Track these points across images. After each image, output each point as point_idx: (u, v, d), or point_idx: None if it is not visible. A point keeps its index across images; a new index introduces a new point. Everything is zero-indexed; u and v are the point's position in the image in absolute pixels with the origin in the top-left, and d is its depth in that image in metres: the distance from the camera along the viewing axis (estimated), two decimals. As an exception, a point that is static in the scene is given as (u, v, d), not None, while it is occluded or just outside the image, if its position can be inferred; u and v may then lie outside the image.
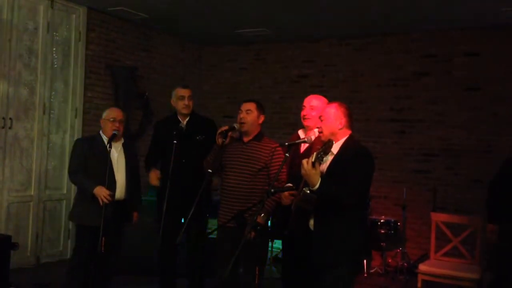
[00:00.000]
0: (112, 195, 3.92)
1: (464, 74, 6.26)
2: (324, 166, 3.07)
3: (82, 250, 4.03)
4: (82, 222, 4.07)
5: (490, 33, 6.12)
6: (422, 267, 4.76)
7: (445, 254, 4.97)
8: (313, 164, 2.87)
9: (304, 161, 2.89)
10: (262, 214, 3.52)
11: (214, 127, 4.37)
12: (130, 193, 4.16)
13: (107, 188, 3.88)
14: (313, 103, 3.74)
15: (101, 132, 4.17)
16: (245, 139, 3.84)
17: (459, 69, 6.30)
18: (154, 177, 4.27)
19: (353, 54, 6.93)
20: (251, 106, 3.83)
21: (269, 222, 3.97)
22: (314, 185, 2.87)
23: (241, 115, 3.81)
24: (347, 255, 3.01)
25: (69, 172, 4.16)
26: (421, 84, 6.49)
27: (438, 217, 5.07)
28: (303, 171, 2.89)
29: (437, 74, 6.41)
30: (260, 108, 3.86)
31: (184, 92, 4.32)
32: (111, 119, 4.09)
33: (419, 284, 4.73)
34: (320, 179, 2.86)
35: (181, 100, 4.31)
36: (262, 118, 3.86)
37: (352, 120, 3.19)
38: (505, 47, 6.06)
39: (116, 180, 4.05)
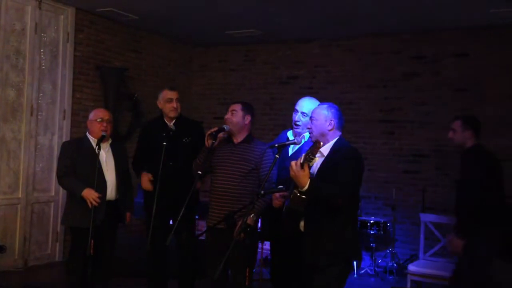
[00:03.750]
0: (102, 197, 3.89)
1: (453, 75, 6.29)
2: (315, 168, 3.07)
3: (79, 252, 3.97)
4: (76, 224, 4.00)
5: (478, 34, 6.15)
6: (412, 267, 4.79)
7: (434, 254, 5.01)
8: (302, 165, 2.87)
9: (293, 163, 2.90)
10: (252, 215, 3.52)
11: (201, 129, 4.35)
12: (122, 193, 4.13)
13: (96, 190, 3.84)
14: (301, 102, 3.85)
15: (87, 133, 4.13)
16: (235, 141, 3.83)
17: (448, 70, 6.33)
18: (145, 180, 4.20)
19: (343, 55, 6.94)
20: (236, 106, 3.83)
21: (259, 223, 3.97)
22: (303, 186, 2.88)
23: (226, 116, 3.82)
24: (338, 256, 3.02)
25: (57, 176, 4.11)
26: (411, 85, 6.51)
27: (427, 218, 5.10)
28: (291, 173, 2.89)
29: (426, 75, 6.43)
30: (246, 109, 3.84)
31: (172, 94, 4.27)
32: (99, 120, 4.05)
33: (408, 285, 4.76)
34: (309, 180, 2.87)
35: (169, 102, 4.25)
36: (248, 119, 3.83)
37: (342, 122, 3.19)
38: (494, 48, 6.09)
39: (107, 181, 4.01)
